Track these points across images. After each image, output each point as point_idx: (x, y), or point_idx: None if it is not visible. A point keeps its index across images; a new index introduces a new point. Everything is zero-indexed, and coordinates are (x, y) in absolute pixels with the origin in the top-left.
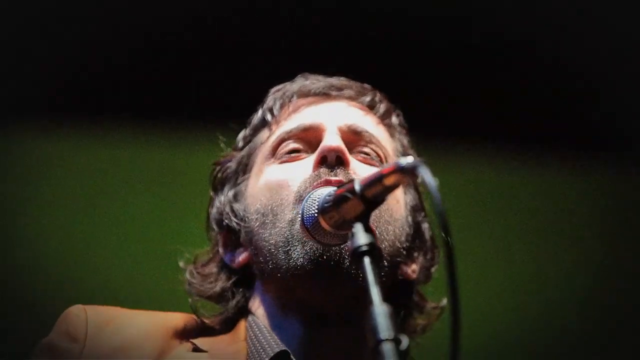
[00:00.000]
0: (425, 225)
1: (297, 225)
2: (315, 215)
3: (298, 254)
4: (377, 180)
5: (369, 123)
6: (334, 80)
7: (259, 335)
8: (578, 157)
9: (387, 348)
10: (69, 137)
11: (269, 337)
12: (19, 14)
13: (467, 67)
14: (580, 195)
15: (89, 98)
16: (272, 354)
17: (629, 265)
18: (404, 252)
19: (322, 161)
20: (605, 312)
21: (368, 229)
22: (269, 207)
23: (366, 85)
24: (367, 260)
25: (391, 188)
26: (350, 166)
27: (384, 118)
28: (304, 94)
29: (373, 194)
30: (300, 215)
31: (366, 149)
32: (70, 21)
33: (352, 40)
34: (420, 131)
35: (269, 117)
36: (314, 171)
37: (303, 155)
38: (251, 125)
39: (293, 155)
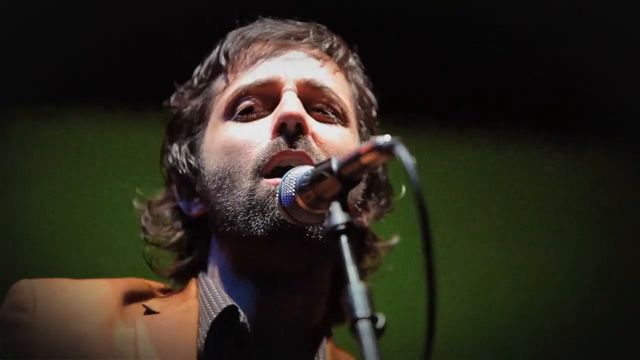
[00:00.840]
0: (379, 170)
1: (257, 196)
2: (293, 194)
3: (258, 224)
4: (354, 159)
5: (327, 74)
6: (293, 28)
7: (209, 293)
8: (564, 139)
9: (364, 326)
10: (58, 121)
11: (218, 295)
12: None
13: (455, 47)
14: (565, 176)
15: (80, 81)
16: (220, 310)
17: (620, 249)
18: (359, 209)
19: (281, 128)
20: (600, 296)
21: (345, 208)
22: (226, 172)
23: (324, 29)
24: (344, 239)
25: (368, 166)
26: (309, 131)
27: (342, 63)
28: (263, 41)
29: (350, 173)
30: (277, 195)
31: (324, 106)
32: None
33: (334, 17)
34: (403, 111)
35: (223, 61)
36: (272, 138)
37: (260, 113)
38: (206, 65)
39: (250, 115)
